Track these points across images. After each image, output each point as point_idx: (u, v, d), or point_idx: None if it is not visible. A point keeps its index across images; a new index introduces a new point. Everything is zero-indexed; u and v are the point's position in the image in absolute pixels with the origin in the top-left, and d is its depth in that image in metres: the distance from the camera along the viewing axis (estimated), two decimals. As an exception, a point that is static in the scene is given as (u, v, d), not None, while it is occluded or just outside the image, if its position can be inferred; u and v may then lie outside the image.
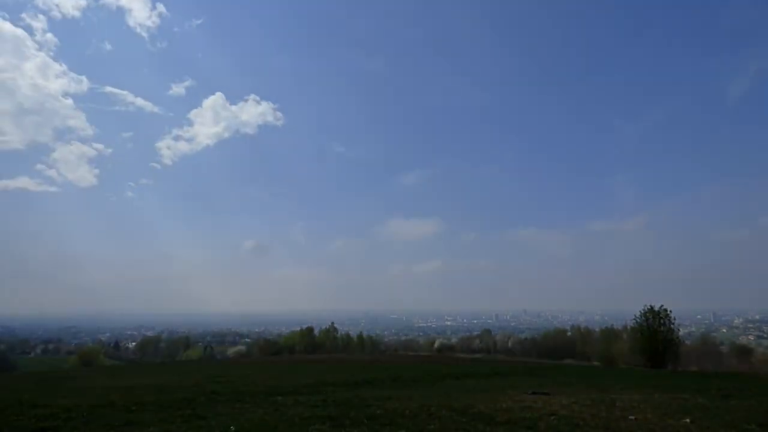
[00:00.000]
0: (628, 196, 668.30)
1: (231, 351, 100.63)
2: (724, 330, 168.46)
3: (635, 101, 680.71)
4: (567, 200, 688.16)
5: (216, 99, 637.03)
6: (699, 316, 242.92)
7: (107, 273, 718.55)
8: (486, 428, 8.13)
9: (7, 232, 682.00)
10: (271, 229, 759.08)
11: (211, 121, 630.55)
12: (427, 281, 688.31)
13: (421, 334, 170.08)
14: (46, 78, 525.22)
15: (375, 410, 9.87)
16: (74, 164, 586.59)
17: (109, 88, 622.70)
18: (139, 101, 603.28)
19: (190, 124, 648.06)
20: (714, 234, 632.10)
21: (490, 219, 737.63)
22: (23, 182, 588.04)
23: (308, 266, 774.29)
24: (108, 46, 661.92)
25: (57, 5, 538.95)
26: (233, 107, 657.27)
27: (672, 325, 31.27)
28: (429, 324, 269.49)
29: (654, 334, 30.96)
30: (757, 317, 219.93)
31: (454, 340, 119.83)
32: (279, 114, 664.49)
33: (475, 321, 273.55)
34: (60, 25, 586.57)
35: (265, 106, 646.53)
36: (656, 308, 31.42)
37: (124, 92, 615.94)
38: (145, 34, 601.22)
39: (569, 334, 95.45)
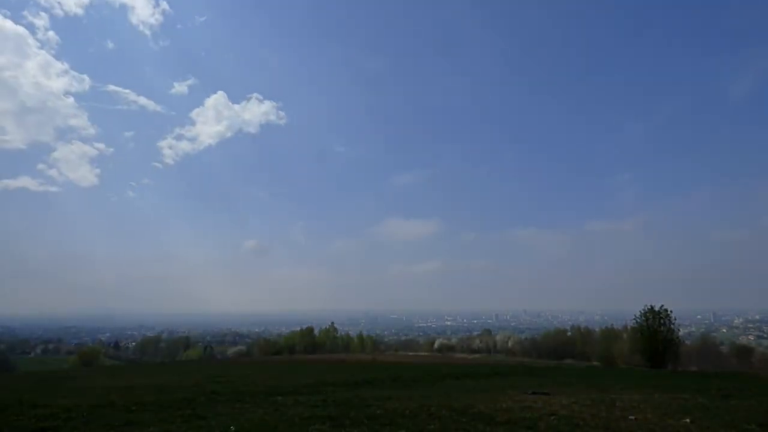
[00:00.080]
0: (627, 196, 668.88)
1: (231, 351, 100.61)
2: (724, 330, 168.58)
3: (635, 101, 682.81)
4: (567, 200, 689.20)
5: (218, 98, 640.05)
6: (699, 316, 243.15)
7: (107, 273, 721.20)
8: (486, 428, 8.12)
9: (8, 232, 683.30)
10: (272, 229, 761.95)
11: (213, 120, 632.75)
12: (427, 281, 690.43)
13: (421, 334, 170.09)
14: (47, 76, 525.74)
15: (375, 410, 9.86)
16: (75, 164, 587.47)
17: (111, 87, 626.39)
18: (142, 100, 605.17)
19: (193, 123, 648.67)
20: (714, 234, 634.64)
21: (490, 219, 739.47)
22: (24, 182, 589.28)
23: (308, 266, 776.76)
24: (110, 45, 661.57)
25: (59, 3, 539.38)
26: (236, 106, 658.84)
27: (672, 325, 31.32)
28: (429, 324, 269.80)
29: (654, 334, 31.00)
30: (757, 317, 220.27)
31: (454, 340, 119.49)
32: (281, 113, 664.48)
33: (475, 321, 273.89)
34: (62, 23, 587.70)
35: (268, 105, 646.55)
36: (656, 308, 31.49)
37: (127, 91, 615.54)
38: (147, 32, 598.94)
39: (569, 334, 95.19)
